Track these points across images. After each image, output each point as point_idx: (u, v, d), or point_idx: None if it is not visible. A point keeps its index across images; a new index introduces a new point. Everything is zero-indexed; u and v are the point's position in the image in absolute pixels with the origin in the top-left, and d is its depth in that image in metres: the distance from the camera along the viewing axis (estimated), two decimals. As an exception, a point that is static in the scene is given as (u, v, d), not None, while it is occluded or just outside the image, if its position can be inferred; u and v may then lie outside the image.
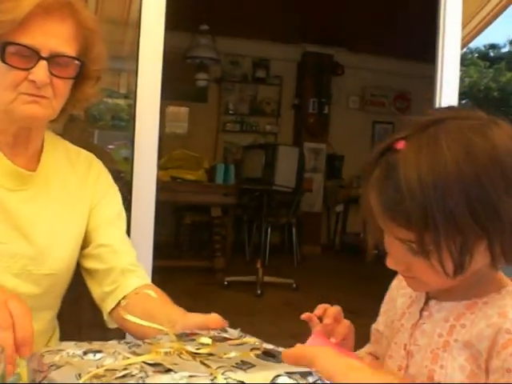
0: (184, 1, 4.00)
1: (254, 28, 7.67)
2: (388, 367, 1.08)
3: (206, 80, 8.51)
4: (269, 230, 6.82)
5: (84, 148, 1.66)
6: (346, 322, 1.12)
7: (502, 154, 0.92)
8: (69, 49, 1.37)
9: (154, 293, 1.43)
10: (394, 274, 1.12)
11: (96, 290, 1.55)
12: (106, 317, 1.53)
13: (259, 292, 5.83)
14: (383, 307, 1.21)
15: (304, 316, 1.17)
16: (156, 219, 2.53)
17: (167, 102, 8.21)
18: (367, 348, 1.23)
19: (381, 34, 7.46)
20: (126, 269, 1.53)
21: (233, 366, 0.87)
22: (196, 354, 0.93)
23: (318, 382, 0.89)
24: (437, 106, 2.81)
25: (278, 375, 0.86)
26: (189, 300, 4.69)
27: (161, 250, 3.55)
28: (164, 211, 6.80)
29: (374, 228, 1.01)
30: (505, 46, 17.13)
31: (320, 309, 1.14)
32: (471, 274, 0.97)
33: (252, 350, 0.97)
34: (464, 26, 3.19)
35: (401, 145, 0.95)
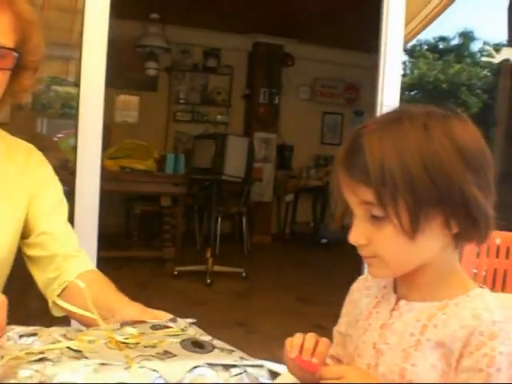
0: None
1: (205, 17, 7.63)
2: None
3: (156, 69, 8.44)
4: (219, 219, 6.83)
5: (29, 137, 1.65)
6: (326, 341, 1.08)
7: (458, 132, 0.98)
8: (7, 40, 1.37)
9: (97, 279, 1.48)
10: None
11: (39, 276, 1.55)
12: (50, 305, 1.53)
13: (209, 281, 5.83)
14: (344, 309, 1.20)
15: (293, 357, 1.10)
16: (105, 209, 2.51)
17: (117, 91, 8.13)
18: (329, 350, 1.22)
19: (330, 25, 7.50)
20: (69, 255, 1.54)
21: (153, 356, 0.88)
22: (124, 343, 0.94)
23: (243, 374, 0.90)
24: (379, 96, 2.86)
25: (197, 366, 0.87)
26: (138, 290, 4.69)
27: (110, 240, 3.53)
28: (113, 201, 6.74)
29: (340, 204, 1.05)
30: (454, 39, 17.38)
31: (295, 350, 1.05)
32: (434, 264, 1.01)
33: (183, 340, 0.98)
34: (412, 19, 3.24)
35: (368, 128, 1.01)
